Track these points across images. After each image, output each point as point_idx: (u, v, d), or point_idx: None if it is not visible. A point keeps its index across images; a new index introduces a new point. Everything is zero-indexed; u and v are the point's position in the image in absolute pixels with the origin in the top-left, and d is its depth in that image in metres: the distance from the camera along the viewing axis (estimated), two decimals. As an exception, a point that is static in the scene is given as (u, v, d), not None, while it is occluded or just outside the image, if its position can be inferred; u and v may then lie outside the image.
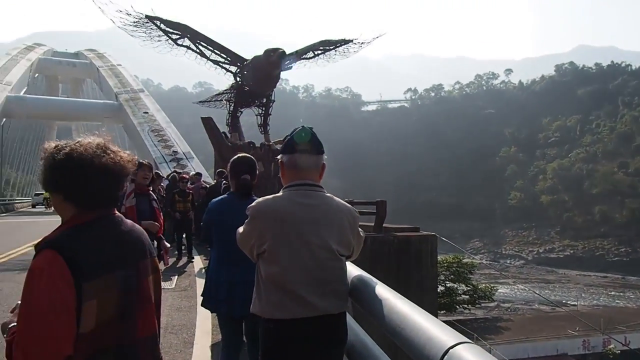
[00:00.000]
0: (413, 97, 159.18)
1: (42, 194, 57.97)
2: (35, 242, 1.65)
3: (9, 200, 47.21)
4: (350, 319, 2.57)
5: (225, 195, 3.98)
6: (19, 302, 1.55)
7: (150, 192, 5.84)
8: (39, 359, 1.41)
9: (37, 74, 69.31)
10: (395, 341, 1.96)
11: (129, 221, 1.76)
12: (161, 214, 5.87)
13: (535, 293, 43.49)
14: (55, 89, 78.52)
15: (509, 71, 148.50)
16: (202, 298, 3.89)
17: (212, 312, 4.52)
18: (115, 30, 20.39)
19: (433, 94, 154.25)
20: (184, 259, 11.20)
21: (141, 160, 5.81)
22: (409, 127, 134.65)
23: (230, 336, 3.79)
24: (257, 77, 17.64)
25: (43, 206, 48.93)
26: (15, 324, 1.53)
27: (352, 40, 20.72)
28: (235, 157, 3.93)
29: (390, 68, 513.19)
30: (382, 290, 2.28)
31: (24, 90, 60.15)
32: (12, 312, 1.66)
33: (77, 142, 1.65)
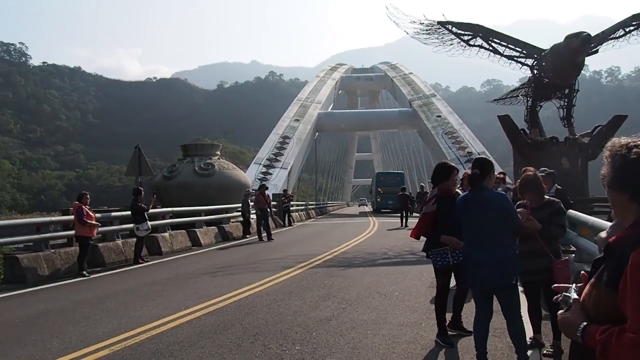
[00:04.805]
0: None
1: (364, 199, 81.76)
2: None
3: (322, 204, 53.60)
4: None
5: (465, 192, 4.83)
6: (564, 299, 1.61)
7: (458, 193, 5.28)
8: None
9: (340, 91, 77.89)
10: None
11: None
12: None
13: None
14: (354, 102, 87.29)
15: None
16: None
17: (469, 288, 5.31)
18: (402, 41, 21.63)
19: None
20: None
21: (447, 162, 5.53)
22: None
23: (482, 306, 4.53)
24: (558, 67, 16.44)
25: (365, 206, 69.19)
26: (585, 323, 1.50)
27: (676, 8, 17.65)
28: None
29: None
30: None
31: (331, 106, 68.13)
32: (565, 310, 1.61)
33: None
